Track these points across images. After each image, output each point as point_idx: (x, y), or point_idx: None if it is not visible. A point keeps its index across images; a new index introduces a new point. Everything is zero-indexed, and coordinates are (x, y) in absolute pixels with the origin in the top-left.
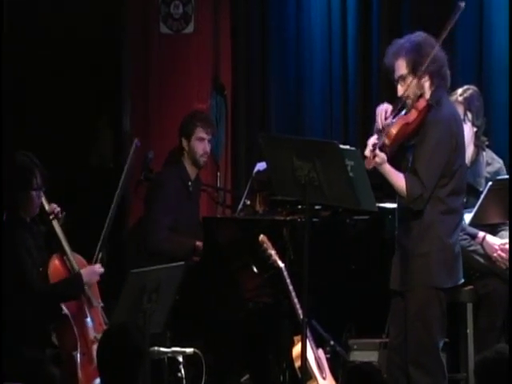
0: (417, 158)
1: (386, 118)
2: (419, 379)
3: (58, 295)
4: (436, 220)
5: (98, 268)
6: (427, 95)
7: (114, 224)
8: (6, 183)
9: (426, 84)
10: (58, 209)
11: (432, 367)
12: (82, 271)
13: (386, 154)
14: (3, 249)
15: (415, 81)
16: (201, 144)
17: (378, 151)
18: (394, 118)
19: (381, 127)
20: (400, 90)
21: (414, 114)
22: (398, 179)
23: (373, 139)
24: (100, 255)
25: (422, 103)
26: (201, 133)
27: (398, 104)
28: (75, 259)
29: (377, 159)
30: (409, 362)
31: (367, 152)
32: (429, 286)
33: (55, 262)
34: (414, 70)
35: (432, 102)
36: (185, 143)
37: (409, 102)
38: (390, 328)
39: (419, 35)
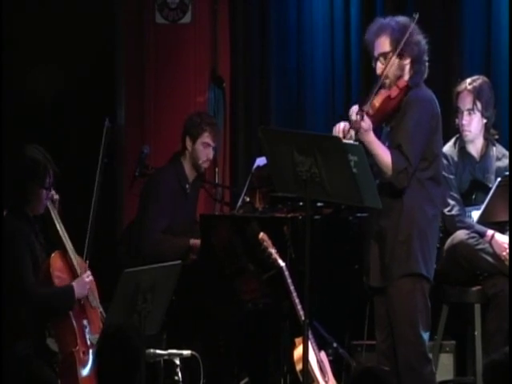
0: (399, 135)
1: (362, 118)
2: (409, 378)
3: (49, 307)
4: (415, 206)
5: (87, 277)
6: (406, 78)
7: (109, 222)
8: (16, 176)
9: (407, 67)
10: (56, 196)
11: (420, 364)
12: (74, 284)
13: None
14: (2, 243)
15: (397, 60)
16: (205, 150)
17: (365, 116)
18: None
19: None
20: (380, 67)
21: (395, 91)
22: (383, 151)
23: (356, 106)
24: (87, 261)
25: (402, 82)
26: (207, 138)
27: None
28: (77, 260)
29: (363, 124)
30: (400, 365)
31: (353, 115)
32: (411, 274)
33: (57, 260)
34: (397, 49)
35: (411, 85)
36: (189, 144)
37: (386, 81)
38: (377, 332)
39: (404, 18)
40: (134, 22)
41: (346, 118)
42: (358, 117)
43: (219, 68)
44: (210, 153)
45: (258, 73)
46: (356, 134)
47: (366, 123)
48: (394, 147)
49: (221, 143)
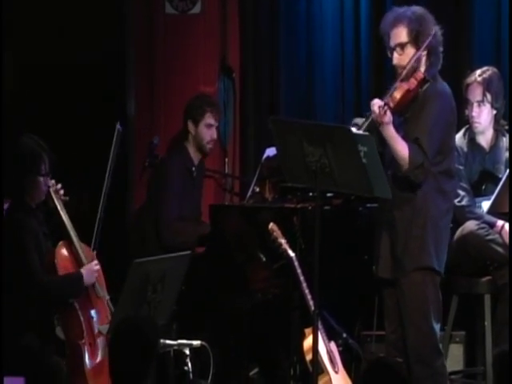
0: (418, 129)
1: (385, 112)
2: (420, 371)
3: (59, 294)
4: (428, 199)
5: (95, 266)
6: (422, 69)
7: (119, 212)
8: (12, 167)
9: (423, 58)
10: (59, 185)
11: (432, 357)
12: (83, 271)
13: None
14: (7, 235)
15: (415, 51)
16: (209, 131)
17: (387, 110)
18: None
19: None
20: (396, 58)
21: (413, 83)
22: (401, 144)
23: (378, 100)
24: (95, 251)
25: (419, 75)
26: (210, 119)
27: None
28: (82, 249)
29: (385, 117)
30: (410, 355)
31: (376, 108)
32: (424, 268)
33: (62, 251)
34: (415, 39)
35: (428, 77)
36: (191, 127)
37: (403, 72)
38: (386, 323)
39: (420, 8)
40: (144, 13)
41: (356, 111)
42: (382, 110)
43: (229, 58)
44: (214, 133)
45: (267, 63)
46: (379, 125)
47: (388, 116)
48: (411, 140)
49: (231, 132)
